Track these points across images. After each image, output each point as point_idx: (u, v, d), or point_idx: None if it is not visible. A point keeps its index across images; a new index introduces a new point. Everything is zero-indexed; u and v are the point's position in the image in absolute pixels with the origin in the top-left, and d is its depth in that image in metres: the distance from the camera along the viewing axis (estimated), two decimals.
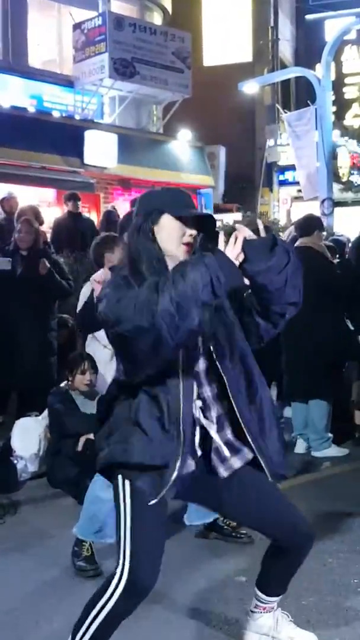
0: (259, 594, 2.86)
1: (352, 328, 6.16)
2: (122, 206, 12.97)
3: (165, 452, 2.45)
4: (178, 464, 2.46)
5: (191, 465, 2.55)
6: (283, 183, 20.29)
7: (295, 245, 6.14)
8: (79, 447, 5.03)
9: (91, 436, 4.96)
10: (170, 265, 2.50)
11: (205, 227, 2.57)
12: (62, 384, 5.37)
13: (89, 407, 5.15)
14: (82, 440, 5.00)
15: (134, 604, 2.51)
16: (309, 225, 6.12)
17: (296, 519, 2.72)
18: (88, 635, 2.52)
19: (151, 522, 2.53)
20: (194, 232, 2.56)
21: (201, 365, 2.57)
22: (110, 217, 10.42)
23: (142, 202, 2.66)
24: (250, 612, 2.93)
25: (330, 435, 6.05)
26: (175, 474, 2.45)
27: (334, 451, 6.01)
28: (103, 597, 2.49)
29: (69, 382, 5.28)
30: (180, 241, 2.55)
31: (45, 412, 5.47)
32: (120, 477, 2.56)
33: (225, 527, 4.18)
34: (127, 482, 2.53)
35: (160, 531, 2.58)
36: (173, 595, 3.43)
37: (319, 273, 5.56)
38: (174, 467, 2.45)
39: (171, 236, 2.55)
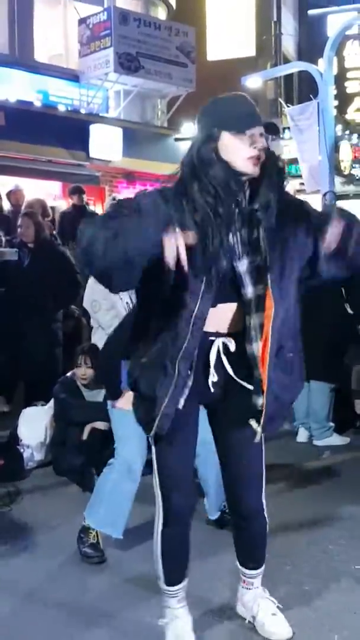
0: (237, 564, 3.01)
1: (350, 312, 6.12)
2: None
3: (158, 384, 2.52)
4: (167, 397, 2.51)
5: (181, 401, 2.57)
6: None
7: None
8: (84, 436, 5.02)
9: (96, 425, 4.97)
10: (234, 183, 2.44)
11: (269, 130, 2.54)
12: (68, 374, 5.37)
13: (95, 397, 5.15)
14: (88, 429, 5.01)
15: (180, 528, 2.80)
16: None
17: (247, 491, 2.81)
18: (160, 564, 2.83)
19: (171, 453, 2.71)
20: (259, 143, 2.45)
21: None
22: None
23: (200, 120, 2.54)
24: (239, 587, 3.06)
25: (331, 424, 6.06)
26: (163, 406, 2.52)
27: (335, 440, 6.02)
28: (154, 534, 2.81)
29: (75, 373, 5.28)
30: (245, 156, 2.44)
31: (52, 402, 5.47)
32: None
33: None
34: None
35: (181, 458, 2.74)
36: None
37: None
38: (162, 399, 2.52)
39: (235, 154, 2.44)
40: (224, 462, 2.85)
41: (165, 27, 16.03)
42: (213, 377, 2.60)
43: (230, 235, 2.46)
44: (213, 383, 2.61)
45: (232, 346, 2.58)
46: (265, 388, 2.55)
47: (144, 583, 3.33)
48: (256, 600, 2.99)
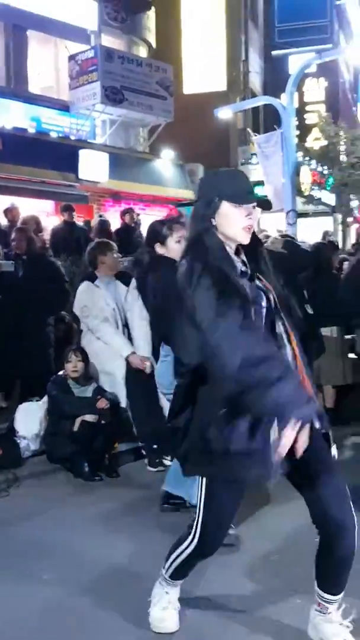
0: (316, 587, 2.56)
1: (310, 312, 6.12)
2: (112, 216, 12.92)
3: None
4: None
5: None
6: None
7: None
8: (75, 428, 4.98)
9: (86, 417, 4.93)
10: (229, 248, 2.43)
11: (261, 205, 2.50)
12: (60, 373, 5.32)
13: (84, 392, 5.12)
14: (78, 421, 4.96)
15: (203, 557, 2.64)
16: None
17: (330, 503, 2.39)
18: (173, 568, 2.68)
19: (223, 498, 2.48)
20: (253, 216, 2.43)
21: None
22: (103, 225, 10.36)
23: (202, 187, 2.51)
24: (313, 611, 2.62)
25: None
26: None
27: None
28: (181, 546, 2.62)
29: (65, 371, 5.23)
30: (242, 226, 2.42)
31: (45, 398, 5.42)
32: None
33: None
34: None
35: (230, 506, 2.53)
36: None
37: (284, 260, 5.61)
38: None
39: (231, 223, 2.41)
40: (300, 474, 2.44)
41: (146, 63, 16.06)
42: None
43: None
44: None
45: None
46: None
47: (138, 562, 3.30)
48: (331, 622, 2.57)
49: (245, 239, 2.44)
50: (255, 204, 2.45)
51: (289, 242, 6.41)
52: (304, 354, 2.50)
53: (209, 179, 2.55)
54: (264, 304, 2.43)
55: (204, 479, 2.47)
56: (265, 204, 2.51)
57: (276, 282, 2.49)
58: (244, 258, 2.49)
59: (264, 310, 2.43)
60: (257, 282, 2.46)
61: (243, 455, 2.26)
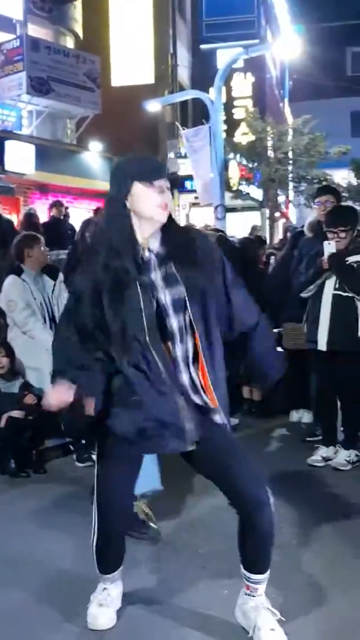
0: (241, 569, 2.62)
1: None
2: (40, 209, 12.74)
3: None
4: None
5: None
6: (182, 191, 20.40)
7: None
8: (2, 424, 4.91)
9: (12, 413, 4.87)
10: (146, 230, 2.46)
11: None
12: None
13: (10, 388, 5.05)
14: (4, 417, 4.89)
15: (109, 539, 2.68)
16: None
17: (244, 483, 2.48)
18: (95, 556, 2.72)
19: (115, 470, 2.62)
20: (167, 193, 2.46)
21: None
22: (30, 218, 10.18)
23: (113, 174, 2.53)
24: (242, 594, 2.67)
25: None
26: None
27: None
28: (92, 535, 2.68)
29: None
30: (156, 204, 2.44)
31: None
32: None
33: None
34: None
35: (121, 482, 2.63)
36: None
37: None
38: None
39: (145, 201, 2.44)
40: (209, 468, 2.58)
41: (74, 54, 15.89)
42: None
43: (148, 275, 2.45)
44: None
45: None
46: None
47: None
48: (258, 609, 2.60)
49: (162, 217, 2.46)
50: (167, 182, 2.48)
51: (222, 237, 6.49)
52: (213, 347, 2.53)
53: (118, 165, 2.57)
54: (157, 294, 2.45)
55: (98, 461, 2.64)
56: (174, 180, 2.55)
57: (190, 272, 2.46)
58: (155, 245, 2.49)
59: (152, 302, 2.43)
60: (158, 272, 2.46)
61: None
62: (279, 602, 2.82)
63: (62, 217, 11.02)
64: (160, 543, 3.49)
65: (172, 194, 2.57)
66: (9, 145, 13.94)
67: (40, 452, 4.97)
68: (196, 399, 2.51)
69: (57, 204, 11.46)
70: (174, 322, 2.46)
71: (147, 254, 2.49)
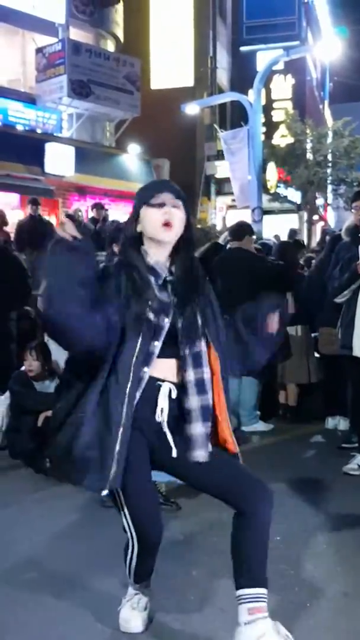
0: (238, 592, 2.38)
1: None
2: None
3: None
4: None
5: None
6: (219, 193, 20.37)
7: (227, 247, 6.17)
8: (39, 423, 4.95)
9: (49, 413, 4.90)
10: (160, 253, 2.41)
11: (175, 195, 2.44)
12: (22, 368, 5.28)
13: (46, 388, 5.09)
14: (42, 417, 4.93)
15: (149, 551, 2.56)
16: (240, 231, 6.14)
17: (242, 485, 2.43)
18: (132, 571, 2.62)
19: (135, 492, 2.42)
20: (169, 210, 2.38)
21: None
22: (70, 220, 10.28)
23: (134, 202, 2.51)
24: (242, 624, 2.37)
25: (258, 412, 6.10)
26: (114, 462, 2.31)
27: (261, 426, 6.06)
28: (128, 549, 2.55)
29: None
30: (158, 222, 2.38)
31: (7, 393, 5.38)
32: None
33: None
34: None
35: (148, 490, 2.49)
36: None
37: (249, 262, 5.63)
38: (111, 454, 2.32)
39: (148, 222, 2.40)
40: (215, 485, 2.47)
41: (114, 58, 15.99)
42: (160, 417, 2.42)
43: (161, 296, 2.38)
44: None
45: (174, 393, 2.42)
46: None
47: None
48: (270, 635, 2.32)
49: (166, 236, 2.39)
50: (172, 197, 2.40)
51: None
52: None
53: (136, 194, 2.55)
54: (166, 320, 2.38)
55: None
56: (173, 189, 2.44)
57: (202, 298, 2.44)
58: (170, 267, 2.44)
59: (164, 325, 2.37)
60: (171, 294, 2.40)
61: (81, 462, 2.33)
62: (312, 611, 2.78)
63: (101, 220, 11.09)
64: (183, 544, 3.48)
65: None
66: (49, 147, 14.11)
67: None
68: (197, 428, 2.40)
69: (97, 206, 11.54)
70: (186, 348, 2.40)
71: (163, 275, 2.43)
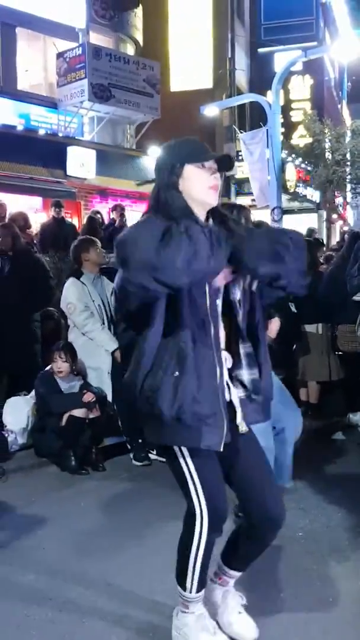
0: (221, 563, 2.61)
1: (294, 311, 6.12)
2: (102, 212, 12.91)
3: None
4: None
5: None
6: (239, 193, 20.32)
7: None
8: (63, 423, 4.98)
9: (74, 413, 4.94)
10: (199, 211, 2.33)
11: (223, 165, 2.38)
12: (47, 368, 5.32)
13: (71, 389, 5.12)
14: (66, 416, 4.97)
15: (220, 529, 2.43)
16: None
17: (269, 501, 2.43)
18: (197, 574, 2.42)
19: (208, 463, 2.37)
20: (217, 175, 2.35)
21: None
22: (91, 222, 10.32)
23: (164, 157, 2.41)
24: (209, 580, 2.59)
25: None
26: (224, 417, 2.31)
27: None
28: (193, 539, 2.38)
29: (52, 367, 5.23)
30: (207, 185, 2.33)
31: (33, 392, 5.42)
32: None
33: None
34: None
35: (216, 464, 2.40)
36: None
37: None
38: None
39: (197, 184, 2.33)
40: (240, 482, 2.49)
41: (134, 61, 16.01)
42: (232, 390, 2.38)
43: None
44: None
45: (229, 362, 2.40)
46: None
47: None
48: (225, 595, 2.64)
49: (213, 199, 2.36)
50: (216, 165, 2.36)
51: None
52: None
53: (166, 150, 2.44)
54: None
55: (184, 454, 2.36)
56: (226, 162, 2.38)
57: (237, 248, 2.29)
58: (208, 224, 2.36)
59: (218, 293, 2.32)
60: None
61: (194, 421, 2.25)
62: (334, 606, 2.77)
63: (122, 221, 11.10)
64: None
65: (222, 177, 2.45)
66: (71, 150, 14.18)
67: (99, 450, 5.02)
68: (245, 376, 2.39)
69: (117, 208, 11.56)
70: (236, 292, 2.37)
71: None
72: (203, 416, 2.26)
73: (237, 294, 2.38)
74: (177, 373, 2.25)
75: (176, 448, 2.35)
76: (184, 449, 2.34)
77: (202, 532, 2.37)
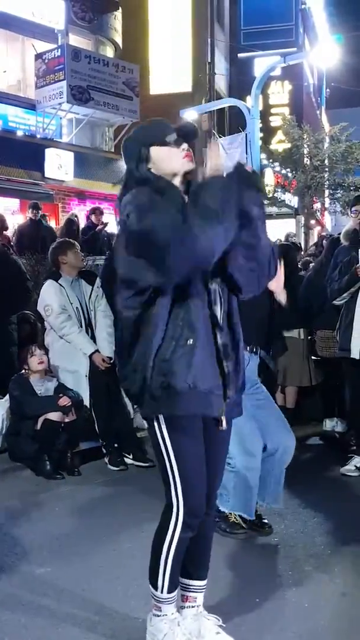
0: (180, 580, 2.50)
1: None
2: (80, 214, 12.88)
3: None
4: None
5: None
6: None
7: None
8: (38, 426, 4.95)
9: (49, 416, 4.90)
10: (178, 181, 2.34)
11: (189, 136, 2.40)
12: (22, 372, 5.28)
13: (46, 392, 5.09)
14: (41, 420, 4.93)
15: (192, 528, 2.38)
16: None
17: (211, 488, 2.44)
18: (168, 572, 2.39)
19: (191, 444, 2.36)
20: (185, 145, 2.37)
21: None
22: (70, 225, 10.27)
23: (127, 149, 2.41)
24: (179, 609, 2.52)
25: None
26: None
27: None
28: (167, 534, 2.36)
29: (27, 370, 5.19)
30: (179, 159, 2.35)
31: (7, 396, 5.37)
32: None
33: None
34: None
35: (199, 458, 2.37)
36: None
37: None
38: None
39: (168, 161, 2.35)
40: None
41: (113, 64, 16.02)
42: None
43: None
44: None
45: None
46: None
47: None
48: (199, 618, 2.53)
49: (189, 165, 2.36)
50: (181, 140, 2.37)
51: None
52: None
53: (129, 140, 2.45)
54: None
55: (165, 434, 2.33)
56: (191, 131, 2.40)
57: None
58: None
59: None
60: None
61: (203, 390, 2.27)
62: (311, 612, 2.77)
63: (100, 224, 11.07)
64: None
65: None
66: (49, 152, 14.14)
67: (74, 454, 5.00)
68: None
69: (96, 211, 11.53)
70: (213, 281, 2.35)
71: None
72: (213, 386, 2.30)
73: (214, 284, 2.36)
74: (190, 341, 2.25)
75: (175, 424, 2.30)
76: (182, 426, 2.31)
77: (175, 530, 2.35)
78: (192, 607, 2.53)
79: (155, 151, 2.35)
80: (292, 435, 3.67)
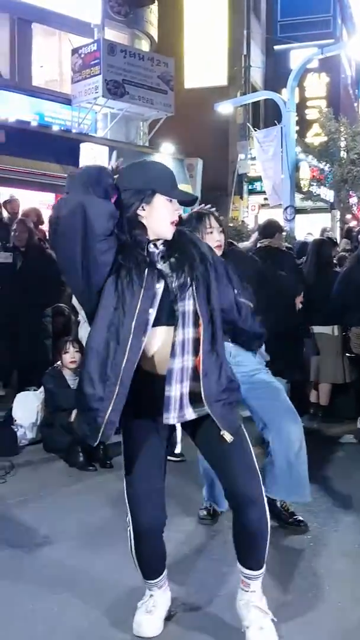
0: (237, 564, 2.56)
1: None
2: None
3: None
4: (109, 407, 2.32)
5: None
6: (252, 192, 20.28)
7: (258, 245, 6.12)
8: (72, 418, 5.00)
9: None
10: (151, 236, 2.36)
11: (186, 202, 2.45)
12: (56, 365, 5.34)
13: None
14: (74, 412, 4.98)
15: (144, 532, 2.50)
16: (270, 228, 6.10)
17: (238, 476, 2.44)
18: (137, 565, 2.61)
19: (138, 464, 2.47)
20: (180, 211, 2.40)
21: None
22: None
23: (130, 178, 2.38)
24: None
25: None
26: (106, 417, 2.32)
27: None
28: (129, 543, 2.55)
29: (61, 363, 5.26)
30: (170, 220, 2.36)
31: (42, 388, 5.44)
32: None
33: (284, 512, 3.72)
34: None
35: (148, 472, 2.48)
36: None
37: (280, 262, 5.56)
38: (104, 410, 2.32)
39: (161, 217, 2.35)
40: (210, 460, 2.61)
41: (148, 57, 16.01)
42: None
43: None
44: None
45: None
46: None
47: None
48: (249, 607, 2.55)
49: (170, 235, 2.38)
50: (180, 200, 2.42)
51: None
52: (215, 339, 2.42)
53: (137, 170, 2.42)
54: (157, 285, 2.33)
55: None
56: (189, 201, 2.43)
57: (189, 268, 2.36)
58: (158, 245, 2.40)
59: (158, 291, 2.34)
60: (162, 265, 2.37)
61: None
62: (343, 611, 2.76)
63: None
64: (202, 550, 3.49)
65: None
66: (84, 147, 14.20)
67: (106, 447, 5.04)
68: (184, 387, 2.40)
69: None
70: (180, 306, 2.37)
71: (152, 248, 2.39)
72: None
73: (187, 306, 2.38)
74: None
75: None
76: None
77: (130, 535, 2.53)
78: (245, 591, 2.55)
79: (158, 201, 2.36)
80: (298, 424, 3.60)
